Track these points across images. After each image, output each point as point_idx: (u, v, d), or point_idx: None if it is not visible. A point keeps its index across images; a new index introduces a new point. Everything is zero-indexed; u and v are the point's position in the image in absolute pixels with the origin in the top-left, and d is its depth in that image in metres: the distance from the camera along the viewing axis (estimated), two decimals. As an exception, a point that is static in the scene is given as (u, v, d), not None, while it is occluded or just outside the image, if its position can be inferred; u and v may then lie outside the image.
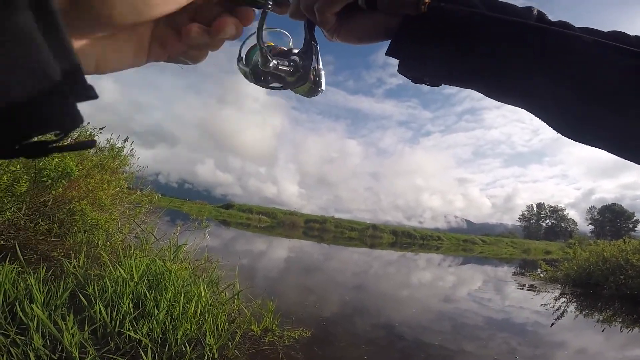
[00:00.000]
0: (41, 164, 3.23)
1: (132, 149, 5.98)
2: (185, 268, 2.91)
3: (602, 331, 3.96)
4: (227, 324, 2.43)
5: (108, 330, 2.03)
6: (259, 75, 0.41)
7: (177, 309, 2.24)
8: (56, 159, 3.28)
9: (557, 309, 5.15)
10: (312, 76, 0.40)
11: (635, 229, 52.64)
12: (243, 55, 0.43)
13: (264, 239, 14.60)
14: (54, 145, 0.21)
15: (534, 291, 7.01)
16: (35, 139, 0.20)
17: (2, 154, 0.19)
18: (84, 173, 4.07)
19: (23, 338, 1.78)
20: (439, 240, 34.99)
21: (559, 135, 0.39)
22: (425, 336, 3.31)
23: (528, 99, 0.37)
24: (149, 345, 1.94)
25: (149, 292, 2.28)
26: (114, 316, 2.07)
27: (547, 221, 67.28)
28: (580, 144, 0.38)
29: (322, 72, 0.41)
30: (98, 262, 2.87)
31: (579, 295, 6.82)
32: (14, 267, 2.28)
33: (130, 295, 2.24)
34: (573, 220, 66.82)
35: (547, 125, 0.38)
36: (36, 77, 0.18)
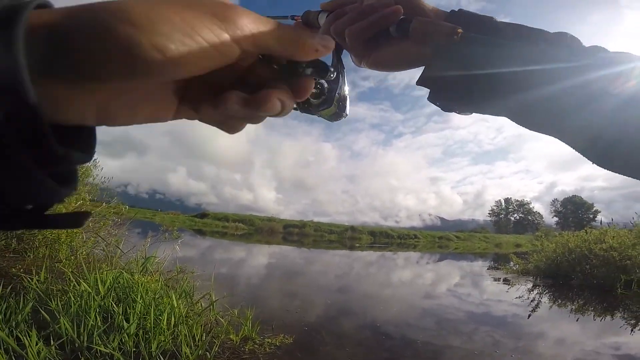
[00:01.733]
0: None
1: (96, 159, 5.73)
2: (156, 280, 2.80)
3: (577, 320, 4.12)
4: (203, 334, 2.37)
5: (77, 345, 1.97)
6: None
7: (149, 321, 2.17)
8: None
9: (531, 301, 5.32)
10: (336, 101, 0.38)
11: (595, 219, 56.27)
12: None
13: (242, 247, 14.31)
14: (31, 218, 0.19)
15: (509, 284, 7.22)
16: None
17: None
18: (40, 186, 3.89)
19: None
20: (415, 239, 35.88)
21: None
22: (411, 333, 3.31)
23: (560, 133, 0.37)
24: (121, 358, 1.89)
25: (117, 306, 2.21)
26: (82, 331, 2.00)
27: (515, 215, 70.83)
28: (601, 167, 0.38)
29: (347, 98, 0.39)
30: (62, 277, 2.79)
31: (550, 286, 7.06)
32: None
33: (97, 309, 2.17)
34: (539, 213, 70.82)
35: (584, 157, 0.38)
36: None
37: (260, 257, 11.31)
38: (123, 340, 2.04)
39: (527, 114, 0.37)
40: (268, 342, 2.62)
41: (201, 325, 2.43)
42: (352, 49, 0.40)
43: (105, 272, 2.59)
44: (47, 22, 0.17)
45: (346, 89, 0.38)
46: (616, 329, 3.64)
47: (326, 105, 0.37)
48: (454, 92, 0.39)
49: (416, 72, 0.45)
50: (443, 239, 37.37)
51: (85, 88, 0.19)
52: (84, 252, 3.99)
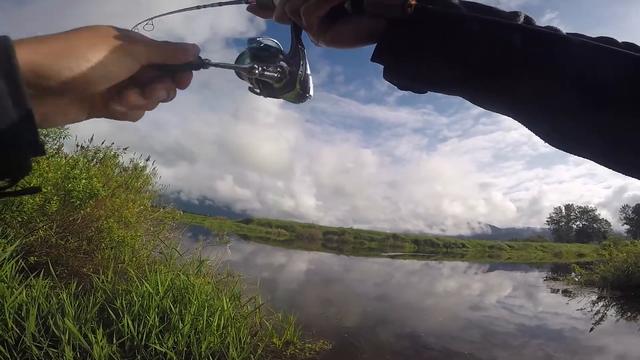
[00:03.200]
0: (70, 185, 3.42)
1: (154, 167, 6.22)
2: (208, 282, 2.94)
3: None
4: (249, 337, 2.43)
5: (135, 343, 2.07)
6: (241, 78, 0.42)
7: (201, 322, 2.27)
8: (84, 181, 3.48)
9: (595, 313, 4.84)
10: (299, 82, 0.39)
11: (675, 227, 48.97)
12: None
13: (284, 252, 14.60)
14: (4, 190, 0.27)
15: (569, 296, 6.62)
16: None
17: None
18: (109, 193, 4.28)
19: (55, 350, 1.85)
20: (463, 248, 33.82)
21: None
22: (454, 345, 3.17)
23: (516, 105, 0.36)
24: (174, 358, 1.98)
25: (173, 306, 2.32)
26: (141, 330, 2.11)
27: (578, 223, 63.88)
28: (567, 152, 0.36)
29: (310, 78, 0.40)
30: (125, 277, 2.97)
31: (619, 299, 6.39)
32: (47, 283, 2.38)
33: (156, 309, 2.28)
34: (606, 220, 63.10)
35: (535, 135, 0.37)
36: (4, 137, 0.24)
37: (301, 263, 11.46)
38: (177, 340, 2.13)
39: (483, 89, 0.35)
40: (308, 347, 2.64)
41: (247, 328, 2.49)
42: (309, 28, 0.40)
43: (164, 274, 2.72)
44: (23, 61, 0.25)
45: (307, 69, 0.40)
46: None
47: (289, 87, 0.39)
48: (408, 69, 0.38)
49: None
50: (494, 248, 34.75)
51: (39, 102, 0.28)
52: (145, 254, 4.23)
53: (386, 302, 5.52)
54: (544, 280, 9.75)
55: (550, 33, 0.33)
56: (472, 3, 0.37)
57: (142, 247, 4.41)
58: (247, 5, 0.46)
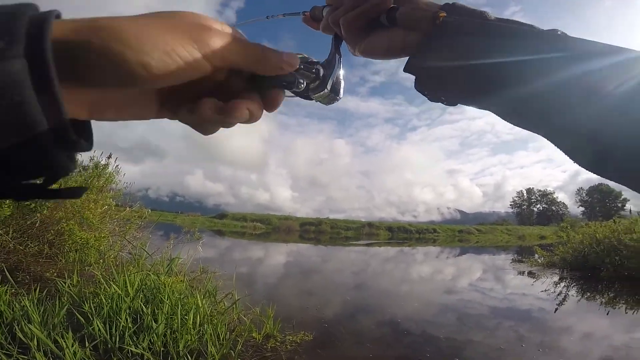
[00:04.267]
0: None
1: (117, 165, 5.94)
2: (181, 280, 2.89)
3: (607, 314, 3.97)
4: (227, 333, 2.43)
5: (109, 346, 2.05)
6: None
7: (176, 321, 2.25)
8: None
9: (558, 294, 5.15)
10: (330, 84, 0.40)
11: (624, 207, 53.51)
12: None
13: (261, 246, 14.50)
14: (40, 189, 0.22)
15: (534, 277, 7.02)
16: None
17: None
18: (68, 194, 4.12)
19: (26, 357, 1.81)
20: (434, 233, 35.29)
21: None
22: (432, 329, 3.28)
23: (547, 131, 0.34)
24: (151, 358, 1.96)
25: (145, 307, 2.29)
26: (113, 332, 2.09)
27: (538, 206, 68.43)
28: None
29: (342, 82, 0.42)
30: (92, 280, 2.90)
31: (578, 279, 6.82)
32: (7, 289, 2.32)
33: (127, 311, 2.25)
34: (563, 203, 68.04)
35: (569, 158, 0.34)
36: (21, 128, 0.19)
37: (279, 255, 11.43)
38: (152, 340, 2.11)
39: (512, 110, 0.35)
40: (289, 339, 2.66)
41: (225, 324, 2.48)
42: (347, 38, 0.42)
43: (133, 274, 2.66)
44: (58, 36, 0.20)
45: (341, 74, 0.41)
46: None
47: (320, 88, 0.40)
48: (439, 82, 0.38)
49: None
50: (463, 232, 36.57)
51: (82, 90, 0.23)
52: (112, 256, 4.14)
53: (365, 290, 5.61)
54: (511, 262, 10.28)
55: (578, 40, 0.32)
56: (508, 20, 0.36)
57: (109, 249, 4.30)
58: (303, 16, 0.49)
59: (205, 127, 0.30)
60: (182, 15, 0.25)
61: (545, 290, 5.39)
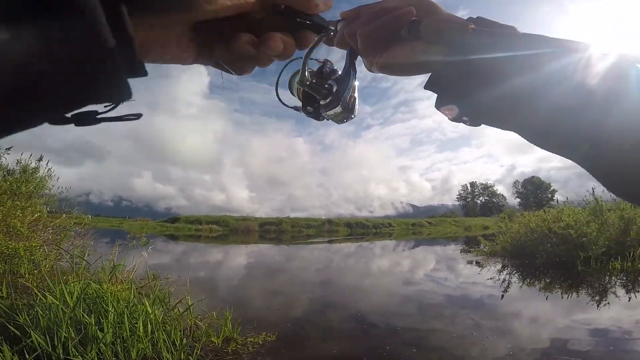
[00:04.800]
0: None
1: (50, 168, 5.36)
2: (127, 288, 2.75)
3: (546, 299, 4.32)
4: (184, 338, 2.37)
5: (54, 358, 1.97)
6: (292, 91, 0.44)
7: (125, 329, 2.17)
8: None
9: (502, 281, 5.55)
10: (343, 101, 0.40)
11: (554, 198, 60.32)
12: (287, 78, 0.45)
13: (218, 249, 14.01)
14: (102, 115, 0.23)
15: (480, 266, 7.45)
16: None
17: (53, 120, 0.21)
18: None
19: None
20: (390, 227, 36.85)
21: None
22: (396, 321, 3.39)
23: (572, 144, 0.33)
24: None
25: (88, 316, 2.19)
26: (56, 343, 1.99)
27: (481, 198, 74.53)
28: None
29: (356, 101, 0.41)
30: (27, 292, 2.78)
31: (518, 266, 7.30)
32: None
33: (69, 321, 2.15)
34: (502, 195, 74.74)
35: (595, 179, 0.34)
36: (92, 47, 0.19)
37: (238, 257, 11.12)
38: (101, 349, 2.04)
39: (538, 133, 0.34)
40: (251, 341, 2.64)
41: (180, 330, 2.43)
42: (363, 52, 0.39)
43: (72, 284, 2.53)
44: None
45: (355, 91, 0.41)
46: (583, 305, 3.83)
47: (333, 105, 0.40)
48: (464, 102, 0.36)
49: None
50: (416, 225, 38.67)
51: (133, 19, 0.22)
52: (48, 266, 3.88)
53: (328, 286, 5.65)
54: (460, 252, 11.07)
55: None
56: (539, 36, 0.33)
57: (43, 258, 3.99)
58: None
59: (241, 64, 0.31)
60: None
61: (491, 278, 5.79)
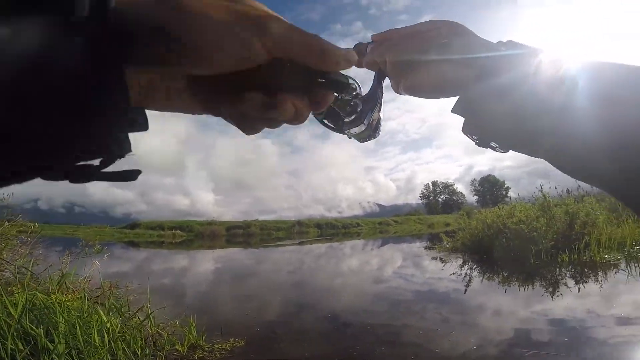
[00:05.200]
0: None
1: None
2: (79, 298, 2.62)
3: (505, 292, 4.55)
4: (146, 347, 2.29)
5: None
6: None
7: (78, 340, 2.08)
8: None
9: (464, 276, 5.78)
10: (367, 121, 0.40)
11: (508, 195, 64.50)
12: None
13: (183, 255, 13.45)
14: (99, 171, 0.21)
15: (444, 262, 7.68)
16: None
17: (47, 176, 0.20)
18: None
19: None
20: (358, 227, 37.51)
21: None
22: (369, 318, 3.42)
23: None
24: None
25: (36, 327, 2.09)
26: (3, 356, 1.90)
27: (442, 196, 78.16)
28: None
29: (380, 121, 0.41)
30: None
31: (478, 261, 7.58)
32: None
33: (15, 333, 2.02)
34: (462, 193, 78.72)
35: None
36: (84, 104, 0.18)
37: (204, 263, 10.76)
38: None
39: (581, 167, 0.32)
40: (218, 347, 2.58)
41: (141, 339, 2.35)
42: (391, 73, 0.39)
43: (16, 295, 2.39)
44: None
45: (381, 112, 0.41)
46: (539, 297, 4.04)
47: (356, 123, 0.39)
48: (492, 127, 0.35)
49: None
50: (383, 224, 39.69)
51: (137, 69, 0.22)
52: None
53: (299, 288, 5.62)
54: (425, 249, 11.43)
55: None
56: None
57: None
58: None
59: (249, 124, 0.28)
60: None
61: (454, 273, 6.01)
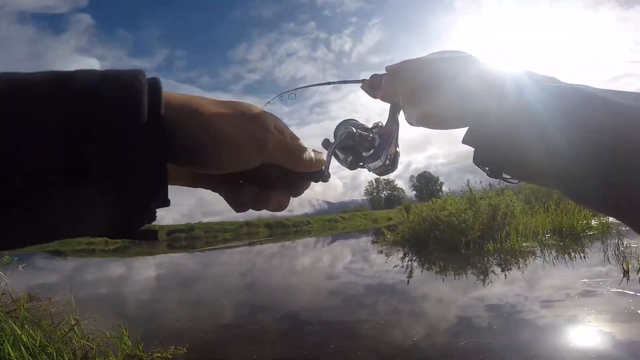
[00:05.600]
0: None
1: None
2: None
3: (443, 281, 4.81)
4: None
5: None
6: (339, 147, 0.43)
7: None
8: None
9: (406, 268, 6.06)
10: (385, 155, 0.41)
11: (442, 190, 67.88)
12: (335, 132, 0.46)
13: (118, 263, 12.36)
14: (137, 230, 0.26)
15: (387, 255, 7.97)
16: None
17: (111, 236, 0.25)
18: None
19: None
20: (309, 225, 37.68)
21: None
22: (326, 315, 3.47)
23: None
24: None
25: None
26: None
27: (384, 192, 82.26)
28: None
29: (398, 155, 0.42)
30: None
31: (417, 253, 7.93)
32: None
33: None
34: (402, 188, 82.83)
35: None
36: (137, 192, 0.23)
37: (143, 269, 10.01)
38: None
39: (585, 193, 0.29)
40: (158, 356, 2.52)
41: (69, 352, 2.25)
42: (404, 103, 0.39)
43: None
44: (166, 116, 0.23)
45: (398, 146, 0.42)
46: (473, 285, 4.31)
47: (374, 158, 0.40)
48: (505, 158, 0.34)
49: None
50: (331, 221, 40.38)
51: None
52: None
53: (249, 290, 5.53)
54: (371, 243, 11.76)
55: None
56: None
57: None
58: (362, 84, 0.48)
59: (240, 207, 0.34)
60: (250, 114, 0.29)
61: (397, 265, 6.26)
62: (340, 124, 0.47)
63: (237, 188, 0.32)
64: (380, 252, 8.82)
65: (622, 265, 3.58)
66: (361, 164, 0.42)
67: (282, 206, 0.34)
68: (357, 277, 5.88)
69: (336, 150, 0.42)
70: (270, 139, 0.29)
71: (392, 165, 0.42)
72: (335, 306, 3.96)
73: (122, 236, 0.25)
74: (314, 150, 0.35)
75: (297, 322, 3.39)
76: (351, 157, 0.42)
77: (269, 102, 0.64)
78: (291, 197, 0.35)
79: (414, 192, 75.88)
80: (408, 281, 4.93)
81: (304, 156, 0.32)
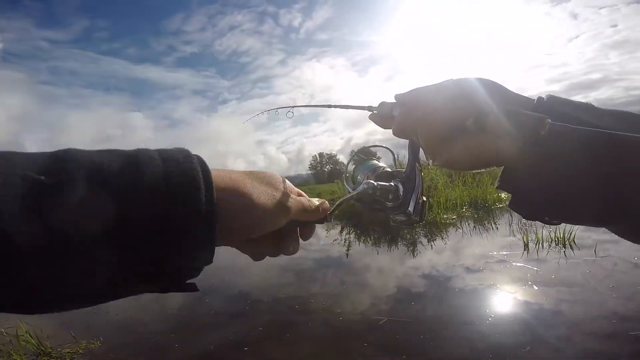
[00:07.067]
0: None
1: None
2: None
3: (378, 253, 4.97)
4: None
5: None
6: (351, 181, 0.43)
7: None
8: None
9: (345, 241, 6.23)
10: (411, 208, 0.37)
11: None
12: (350, 169, 0.46)
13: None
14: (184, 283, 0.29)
15: (328, 229, 7.88)
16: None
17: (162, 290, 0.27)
18: None
19: None
20: (251, 200, 36.98)
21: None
22: (282, 292, 3.47)
23: None
24: None
25: None
26: None
27: (328, 167, 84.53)
28: None
29: (426, 205, 0.39)
30: None
31: (354, 226, 8.13)
32: None
33: None
34: (343, 163, 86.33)
35: None
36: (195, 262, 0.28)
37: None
38: None
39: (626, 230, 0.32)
40: (67, 352, 2.38)
41: None
42: (425, 148, 0.37)
43: None
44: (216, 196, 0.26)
45: (422, 190, 0.38)
46: (404, 255, 4.53)
47: (400, 209, 0.37)
48: (542, 199, 0.32)
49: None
50: (275, 196, 40.21)
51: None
52: None
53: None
54: None
55: None
56: (622, 112, 0.32)
57: None
58: (370, 113, 0.47)
59: (259, 257, 0.37)
60: (276, 186, 0.33)
61: (336, 239, 6.38)
62: (357, 160, 0.46)
63: (256, 242, 0.34)
64: (322, 226, 8.94)
65: (523, 238, 4.03)
66: (386, 214, 0.39)
67: (295, 251, 0.38)
68: (305, 251, 5.80)
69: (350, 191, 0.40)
70: (292, 203, 0.33)
71: (420, 216, 0.38)
72: (288, 282, 3.91)
73: (172, 291, 0.28)
74: (318, 199, 0.38)
75: (249, 301, 3.37)
76: (371, 206, 0.40)
77: (256, 115, 0.61)
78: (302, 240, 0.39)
79: (354, 166, 78.95)
80: (347, 254, 5.10)
81: (315, 209, 0.37)
